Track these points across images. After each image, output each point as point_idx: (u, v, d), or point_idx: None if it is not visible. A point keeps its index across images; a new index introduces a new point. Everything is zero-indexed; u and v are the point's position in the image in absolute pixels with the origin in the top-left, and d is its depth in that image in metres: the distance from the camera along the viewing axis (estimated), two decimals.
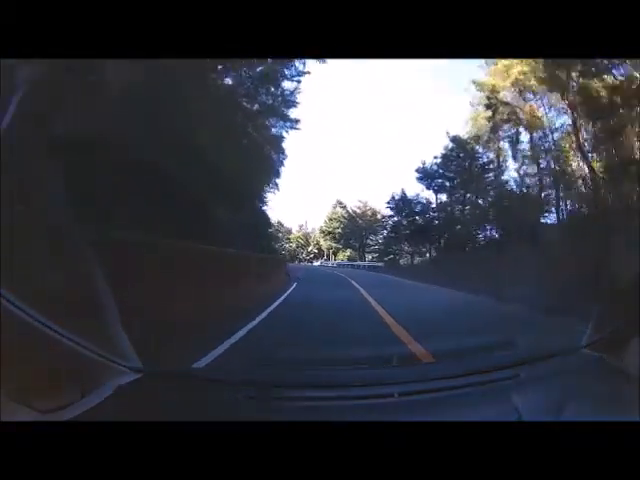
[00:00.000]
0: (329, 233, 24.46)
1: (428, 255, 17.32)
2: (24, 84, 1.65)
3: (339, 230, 23.63)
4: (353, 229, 22.53)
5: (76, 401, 0.95)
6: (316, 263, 26.67)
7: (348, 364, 1.98)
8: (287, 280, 10.55)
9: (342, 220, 23.40)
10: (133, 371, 1.22)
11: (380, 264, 19.09)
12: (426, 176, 15.85)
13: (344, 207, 23.19)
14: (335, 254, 25.70)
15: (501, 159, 13.81)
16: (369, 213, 21.93)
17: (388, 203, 18.01)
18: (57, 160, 1.79)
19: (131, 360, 1.27)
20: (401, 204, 17.45)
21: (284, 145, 11.37)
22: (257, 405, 1.19)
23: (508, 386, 1.32)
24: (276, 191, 11.92)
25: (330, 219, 24.00)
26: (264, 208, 11.53)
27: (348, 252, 24.45)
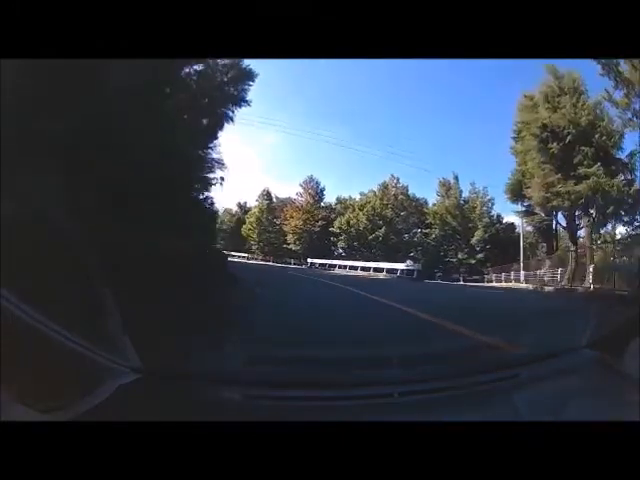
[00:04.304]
0: None
1: None
2: (23, 83, 1.65)
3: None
4: None
5: (76, 401, 0.95)
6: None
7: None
8: None
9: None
10: (133, 371, 1.22)
11: None
12: None
13: None
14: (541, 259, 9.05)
15: None
16: None
17: None
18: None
19: (131, 360, 1.27)
20: None
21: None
22: (257, 405, 1.19)
23: (508, 386, 1.32)
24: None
25: None
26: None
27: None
